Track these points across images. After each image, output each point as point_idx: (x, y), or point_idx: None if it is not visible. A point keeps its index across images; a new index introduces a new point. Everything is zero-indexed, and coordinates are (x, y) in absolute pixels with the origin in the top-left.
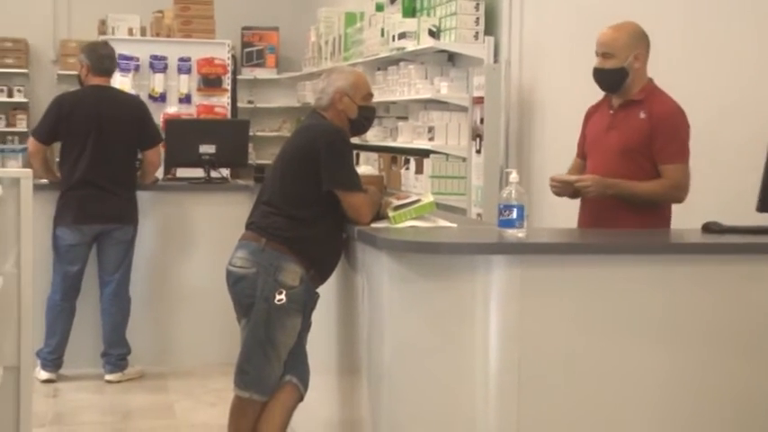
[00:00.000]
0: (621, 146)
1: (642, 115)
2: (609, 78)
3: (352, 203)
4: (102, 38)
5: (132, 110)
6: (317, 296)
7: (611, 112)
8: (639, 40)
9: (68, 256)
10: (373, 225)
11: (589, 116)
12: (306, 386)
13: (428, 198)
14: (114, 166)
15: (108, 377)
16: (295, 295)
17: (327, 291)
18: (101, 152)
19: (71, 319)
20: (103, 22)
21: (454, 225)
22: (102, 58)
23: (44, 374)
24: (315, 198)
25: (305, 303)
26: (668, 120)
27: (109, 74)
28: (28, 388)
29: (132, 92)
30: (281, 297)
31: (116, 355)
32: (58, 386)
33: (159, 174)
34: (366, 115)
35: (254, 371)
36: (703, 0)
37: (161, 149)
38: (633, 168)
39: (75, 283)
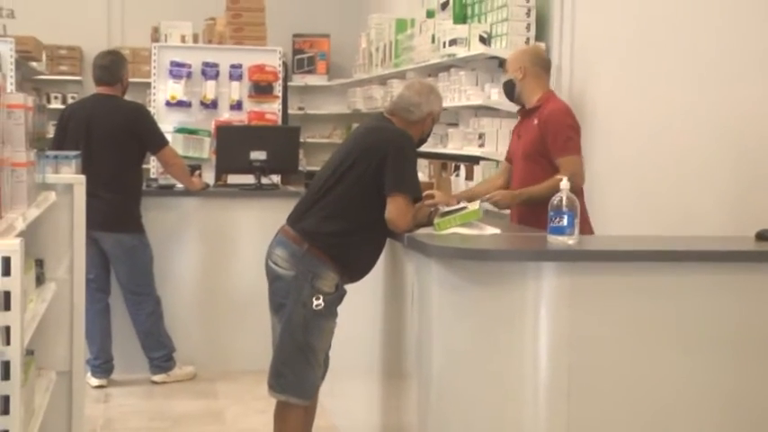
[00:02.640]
0: (523, 152)
1: (535, 122)
2: (504, 88)
3: (403, 209)
4: (154, 45)
5: (123, 119)
6: (345, 293)
7: (518, 122)
8: (526, 57)
9: None
10: (419, 231)
11: (515, 126)
12: None
13: (475, 206)
14: (101, 172)
15: (153, 378)
16: (331, 300)
17: (377, 297)
18: (88, 159)
19: (105, 320)
20: (156, 30)
21: (498, 231)
22: (95, 68)
23: (95, 381)
24: (372, 202)
25: (336, 307)
26: (552, 119)
27: (104, 83)
28: (80, 392)
29: (184, 98)
30: (319, 302)
31: (157, 357)
32: (108, 391)
33: (210, 180)
34: (428, 137)
35: (293, 374)
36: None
37: (172, 150)
38: (537, 171)
39: (99, 287)
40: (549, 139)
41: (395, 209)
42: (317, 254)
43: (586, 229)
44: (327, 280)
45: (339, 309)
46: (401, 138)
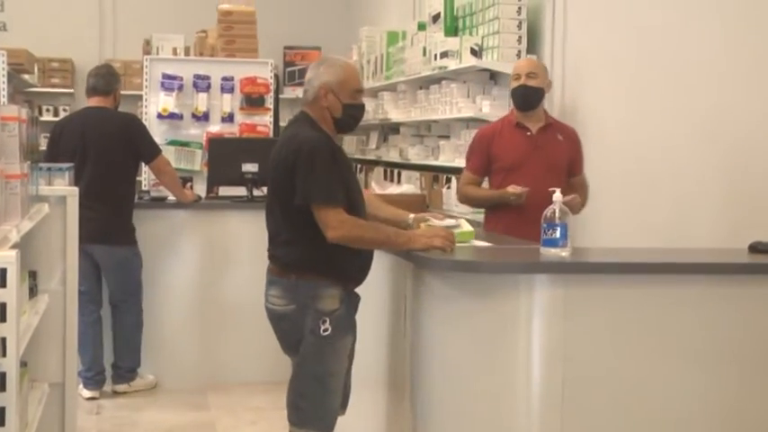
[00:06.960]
0: (548, 164)
1: (560, 137)
2: (531, 95)
3: (323, 220)
4: (146, 57)
5: (117, 129)
6: (358, 299)
7: (529, 134)
8: (547, 72)
9: None
10: None
11: (491, 138)
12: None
13: (467, 227)
14: (95, 185)
15: (115, 388)
16: (339, 318)
17: (370, 309)
18: (82, 171)
19: (97, 332)
20: (148, 42)
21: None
22: (89, 79)
23: (87, 393)
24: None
25: (351, 319)
26: (577, 139)
27: (99, 93)
28: (72, 404)
29: (176, 111)
30: (326, 327)
31: (125, 367)
32: (100, 403)
33: (201, 192)
34: (353, 113)
35: (312, 406)
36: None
37: (165, 158)
38: (556, 182)
39: (90, 299)
40: (578, 157)
41: (321, 223)
42: (309, 277)
43: None
44: (329, 297)
45: None
46: (309, 143)
